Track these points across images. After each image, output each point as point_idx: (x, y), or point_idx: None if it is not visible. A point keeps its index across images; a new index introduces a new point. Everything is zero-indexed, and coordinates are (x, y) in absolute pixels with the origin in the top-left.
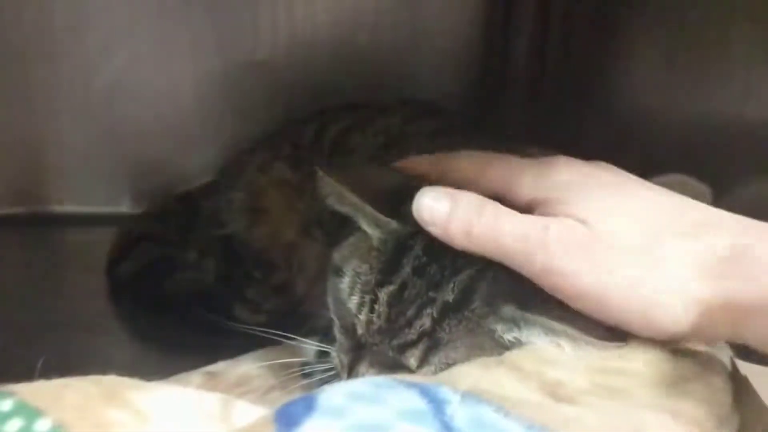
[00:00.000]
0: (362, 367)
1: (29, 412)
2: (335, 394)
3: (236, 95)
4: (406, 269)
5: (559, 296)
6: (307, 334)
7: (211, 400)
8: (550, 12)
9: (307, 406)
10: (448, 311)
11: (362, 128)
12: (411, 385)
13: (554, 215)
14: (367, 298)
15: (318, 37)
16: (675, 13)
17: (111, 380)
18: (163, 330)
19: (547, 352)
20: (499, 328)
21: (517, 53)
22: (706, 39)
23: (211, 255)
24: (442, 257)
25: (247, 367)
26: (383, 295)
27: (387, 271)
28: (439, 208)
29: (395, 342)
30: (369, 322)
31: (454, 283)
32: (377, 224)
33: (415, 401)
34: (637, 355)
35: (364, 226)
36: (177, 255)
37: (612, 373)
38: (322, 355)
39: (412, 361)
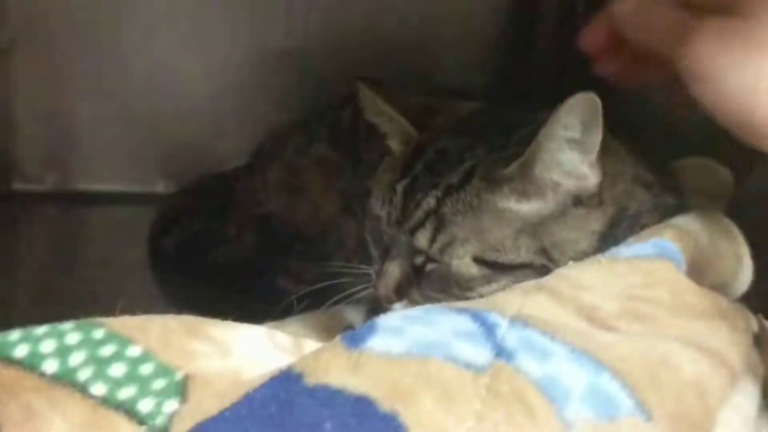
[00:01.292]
0: (389, 265)
1: (120, 340)
2: (392, 318)
3: (269, 81)
4: (419, 166)
5: (703, 103)
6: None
7: (284, 336)
8: (575, 3)
9: (369, 328)
10: (451, 191)
11: None
12: (461, 311)
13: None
14: (388, 195)
15: (349, 25)
16: None
17: (190, 318)
18: (205, 299)
19: (582, 278)
20: (505, 190)
21: (542, 43)
22: None
23: (250, 230)
24: (452, 155)
25: (292, 329)
26: (399, 187)
27: (404, 171)
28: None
29: (408, 226)
30: (389, 214)
31: (458, 169)
32: (402, 133)
33: (467, 324)
34: (662, 283)
35: (391, 141)
36: (218, 229)
37: (639, 300)
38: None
39: (423, 241)
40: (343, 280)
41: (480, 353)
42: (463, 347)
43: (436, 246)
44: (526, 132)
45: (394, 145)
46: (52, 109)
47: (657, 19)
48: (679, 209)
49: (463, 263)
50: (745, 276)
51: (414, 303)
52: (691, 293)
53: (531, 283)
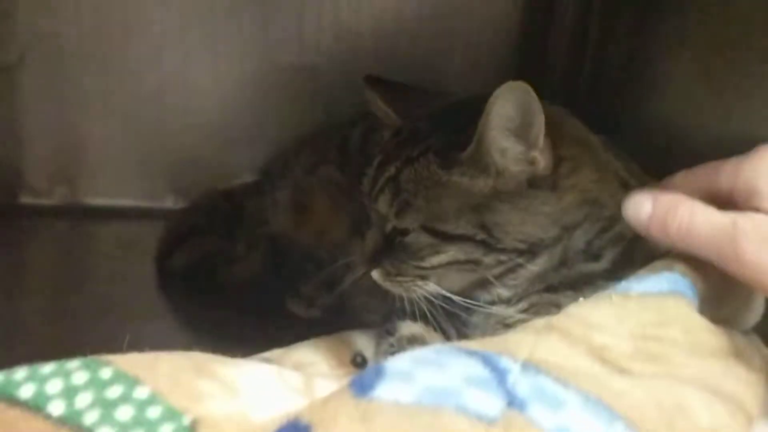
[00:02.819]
0: (368, 234)
1: (127, 380)
2: (401, 360)
3: (280, 97)
4: (392, 144)
5: (758, 289)
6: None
7: (294, 375)
8: (588, 20)
9: (377, 372)
10: (410, 162)
11: None
12: (472, 353)
13: (751, 207)
14: (368, 173)
15: (361, 42)
16: (714, 28)
17: (198, 355)
18: (214, 319)
19: (593, 316)
20: (454, 168)
21: (554, 63)
22: (744, 56)
23: (258, 249)
24: (421, 134)
25: (301, 354)
26: (375, 163)
27: (381, 149)
28: (640, 211)
29: (373, 192)
30: (366, 186)
31: (419, 144)
32: (389, 122)
33: (478, 369)
34: (675, 321)
35: (387, 132)
36: (228, 249)
37: (652, 339)
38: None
39: (383, 205)
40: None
41: (492, 402)
42: (475, 395)
43: (393, 211)
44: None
45: (388, 136)
46: (60, 124)
47: (700, 227)
48: None
49: (414, 232)
50: (757, 305)
51: (386, 272)
52: (706, 332)
53: (541, 322)
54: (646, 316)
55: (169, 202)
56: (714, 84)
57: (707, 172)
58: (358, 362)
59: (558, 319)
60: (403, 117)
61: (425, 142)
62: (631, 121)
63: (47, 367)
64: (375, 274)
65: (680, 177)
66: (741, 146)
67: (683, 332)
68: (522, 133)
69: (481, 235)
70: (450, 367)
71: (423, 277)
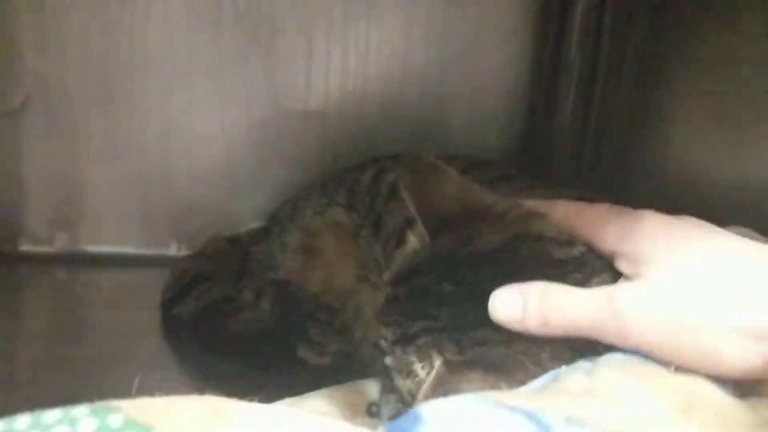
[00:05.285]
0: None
1: (139, 428)
2: (439, 409)
3: (287, 143)
4: (403, 290)
5: (645, 352)
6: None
7: (320, 421)
8: (596, 69)
9: (414, 419)
10: (403, 341)
11: None
12: (514, 409)
13: (631, 271)
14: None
15: (368, 89)
16: (726, 68)
17: (214, 399)
18: (222, 368)
19: (622, 382)
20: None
21: (562, 108)
22: (759, 95)
23: (266, 296)
24: (425, 302)
25: (316, 404)
26: (385, 294)
27: (395, 280)
28: (511, 310)
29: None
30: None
31: (415, 324)
32: (420, 232)
33: (524, 424)
34: (704, 404)
35: (412, 231)
36: (235, 296)
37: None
38: (387, 393)
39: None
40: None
41: None
42: None
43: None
44: (484, 348)
45: (413, 239)
46: (62, 170)
47: (579, 310)
48: None
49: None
50: None
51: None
52: (737, 410)
53: (578, 387)
54: (674, 398)
55: (172, 250)
56: (728, 125)
57: (591, 224)
58: (374, 412)
59: (590, 384)
60: (431, 234)
61: (424, 323)
62: (642, 166)
63: (51, 414)
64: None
65: (560, 213)
66: (756, 189)
67: (714, 415)
68: None
69: None
70: (492, 419)
71: None
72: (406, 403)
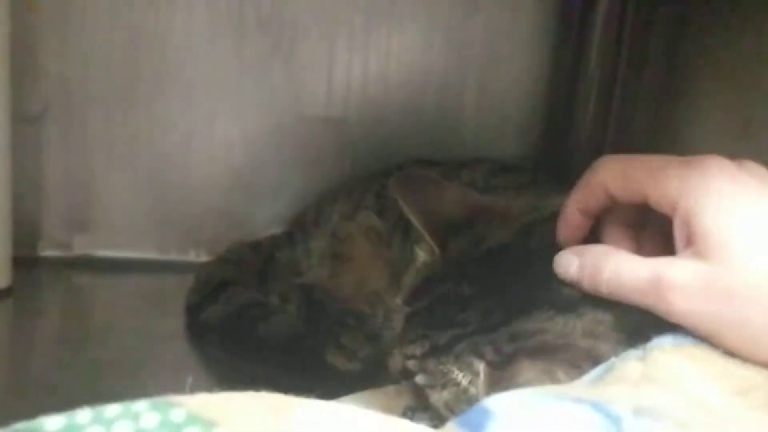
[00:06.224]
0: (396, 351)
1: (203, 423)
2: (506, 402)
3: (306, 150)
4: (422, 304)
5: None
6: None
7: (378, 417)
8: (615, 79)
9: (483, 413)
10: (434, 352)
11: (448, 180)
12: (578, 400)
13: (688, 245)
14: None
15: (388, 95)
16: (750, 77)
17: (271, 395)
18: (249, 373)
19: (683, 369)
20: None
21: (580, 121)
22: None
23: (292, 301)
24: (451, 309)
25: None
26: (401, 314)
27: (410, 298)
28: (569, 269)
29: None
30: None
31: (446, 333)
32: (427, 244)
33: (592, 416)
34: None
35: (418, 247)
36: (263, 301)
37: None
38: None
39: (409, 368)
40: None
41: None
42: None
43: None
44: (520, 332)
45: (421, 254)
46: (82, 175)
47: (627, 281)
48: None
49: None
50: None
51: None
52: None
53: (636, 374)
54: (729, 382)
55: (191, 255)
56: (750, 136)
57: (645, 177)
58: (410, 417)
59: (649, 371)
60: (439, 242)
61: (454, 331)
62: None
63: (112, 409)
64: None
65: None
66: None
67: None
68: None
69: None
70: (560, 411)
71: None
72: (442, 418)
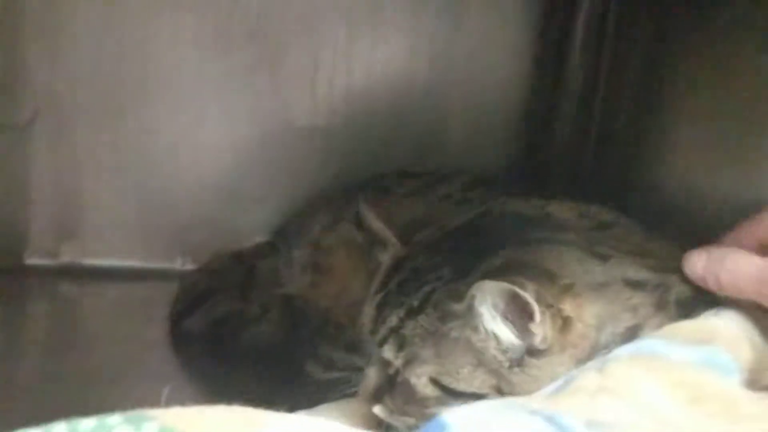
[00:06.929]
0: (370, 370)
1: None
2: (462, 415)
3: (292, 157)
4: (392, 283)
5: None
6: None
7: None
8: (596, 86)
9: (439, 426)
10: (412, 313)
11: (424, 194)
12: (533, 411)
13: None
14: (367, 306)
15: (374, 103)
16: (727, 91)
17: (242, 408)
18: (230, 381)
19: (637, 378)
20: (456, 323)
21: (561, 127)
22: (759, 113)
23: (272, 311)
24: (421, 275)
25: (328, 417)
26: (373, 302)
27: (380, 285)
28: (696, 267)
29: (377, 338)
30: (367, 324)
31: (420, 292)
32: (392, 247)
33: (544, 428)
34: (713, 399)
35: (383, 254)
36: (244, 310)
37: (697, 403)
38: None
39: (388, 354)
40: None
41: None
42: None
43: (399, 361)
44: (490, 266)
45: (385, 258)
46: (69, 183)
47: (745, 271)
48: (697, 301)
49: (420, 382)
50: None
51: (389, 410)
52: (743, 402)
53: (592, 386)
54: (682, 392)
55: (178, 264)
56: (729, 142)
57: (752, 229)
58: (388, 425)
59: (606, 382)
60: (404, 240)
61: (423, 289)
62: (641, 182)
63: (86, 423)
64: (377, 410)
65: (729, 238)
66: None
67: (723, 408)
68: (514, 324)
69: (494, 395)
70: (513, 424)
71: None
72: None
